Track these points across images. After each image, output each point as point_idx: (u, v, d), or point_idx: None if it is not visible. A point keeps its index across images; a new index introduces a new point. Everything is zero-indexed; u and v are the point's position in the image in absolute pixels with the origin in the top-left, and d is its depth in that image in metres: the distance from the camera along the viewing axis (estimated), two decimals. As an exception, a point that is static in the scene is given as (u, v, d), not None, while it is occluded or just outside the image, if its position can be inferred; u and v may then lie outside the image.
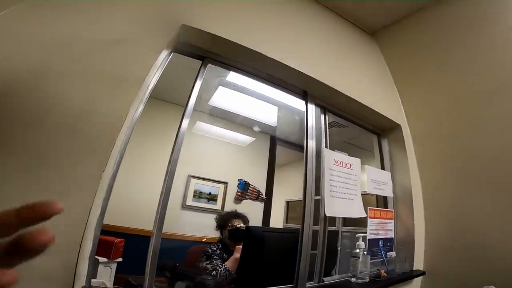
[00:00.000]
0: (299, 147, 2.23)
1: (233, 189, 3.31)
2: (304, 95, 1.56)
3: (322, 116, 1.58)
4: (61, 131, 0.83)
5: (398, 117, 1.89)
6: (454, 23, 1.70)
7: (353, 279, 1.34)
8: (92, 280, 1.31)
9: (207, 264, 1.58)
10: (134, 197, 2.41)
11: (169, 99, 2.59)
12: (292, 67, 1.41)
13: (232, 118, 3.10)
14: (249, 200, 3.40)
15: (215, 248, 1.68)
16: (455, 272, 1.50)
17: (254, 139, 3.43)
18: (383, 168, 1.87)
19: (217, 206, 3.16)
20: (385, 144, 1.94)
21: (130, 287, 1.16)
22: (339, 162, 1.50)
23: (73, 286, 0.78)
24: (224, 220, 1.90)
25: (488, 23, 1.56)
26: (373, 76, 1.95)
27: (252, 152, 3.53)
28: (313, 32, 1.74)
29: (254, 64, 1.40)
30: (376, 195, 1.78)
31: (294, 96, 1.55)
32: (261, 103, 2.45)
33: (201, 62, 1.28)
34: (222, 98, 2.74)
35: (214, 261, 1.61)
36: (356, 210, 1.48)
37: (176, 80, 1.63)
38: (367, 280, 1.33)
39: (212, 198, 3.16)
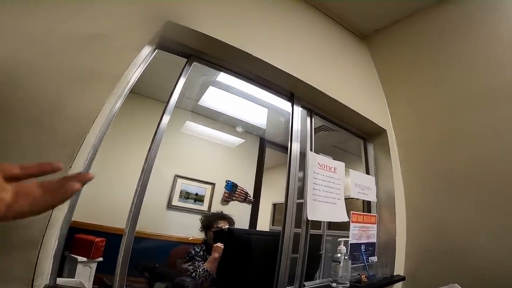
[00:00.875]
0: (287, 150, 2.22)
1: (220, 190, 3.27)
2: (291, 97, 1.55)
3: (308, 119, 1.58)
4: (28, 125, 0.79)
5: (384, 122, 1.90)
6: (441, 29, 1.73)
7: (334, 284, 1.33)
8: (68, 279, 1.26)
9: (188, 265, 1.55)
10: (119, 195, 2.36)
11: (153, 95, 2.55)
12: (279, 67, 1.40)
13: (221, 119, 3.07)
14: (236, 201, 3.37)
15: (198, 250, 1.65)
16: (434, 278, 1.50)
17: (244, 140, 3.41)
18: (368, 172, 1.88)
19: (204, 207, 3.12)
20: (370, 148, 1.95)
21: (105, 287, 1.13)
22: (323, 165, 1.50)
23: (32, 284, 0.74)
24: (209, 221, 1.87)
25: (474, 30, 1.59)
26: (361, 80, 1.96)
27: (241, 153, 3.50)
28: (302, 33, 1.74)
29: (241, 64, 1.38)
30: (363, 200, 1.80)
31: (281, 97, 1.54)
32: (251, 104, 2.44)
33: (186, 60, 1.26)
34: (213, 99, 2.72)
35: (196, 263, 1.58)
36: (339, 214, 1.48)
37: (161, 76, 1.60)
38: (348, 285, 1.32)
39: (199, 198, 3.12)
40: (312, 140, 1.53)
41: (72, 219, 1.40)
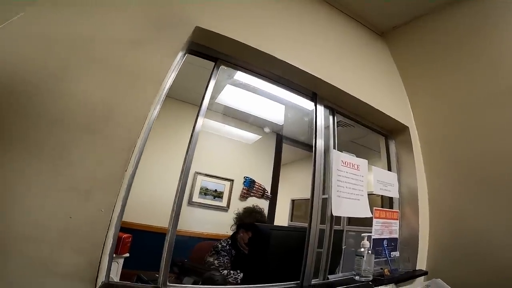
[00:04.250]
0: (306, 146, 2.25)
1: (239, 186, 3.37)
2: (314, 97, 1.61)
3: (331, 117, 1.64)
4: (85, 131, 0.87)
5: (407, 119, 1.93)
6: (463, 26, 1.73)
7: (357, 277, 1.40)
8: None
9: (214, 259, 1.65)
10: (144, 194, 2.49)
11: (183, 98, 2.65)
12: (302, 69, 1.46)
13: (239, 116, 3.15)
14: (254, 197, 3.46)
15: (224, 244, 1.74)
16: (456, 272, 1.56)
17: (260, 137, 3.48)
18: (389, 169, 1.92)
19: (223, 203, 3.24)
20: (392, 145, 1.98)
21: (142, 282, 1.21)
22: (346, 163, 1.56)
23: (96, 282, 0.82)
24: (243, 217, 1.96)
25: (498, 27, 1.58)
26: (382, 77, 1.98)
27: (258, 149, 3.58)
28: (323, 33, 1.78)
29: (265, 66, 1.45)
30: (382, 195, 1.84)
31: (303, 97, 1.60)
32: (268, 101, 2.50)
33: (214, 63, 1.34)
34: (229, 96, 2.80)
35: (221, 258, 1.68)
36: (362, 210, 1.54)
37: (188, 79, 1.68)
38: (371, 278, 1.39)
39: (218, 195, 3.23)
40: (335, 139, 1.59)
41: None
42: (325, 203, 1.44)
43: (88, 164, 0.85)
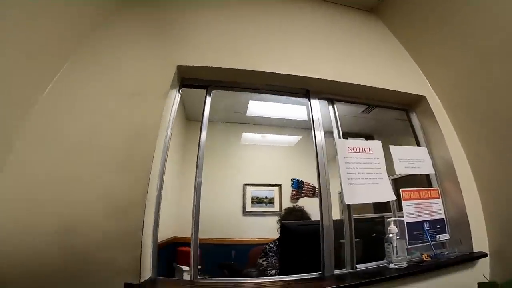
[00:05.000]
0: (347, 135, 2.23)
1: (288, 189, 3.49)
2: (306, 93, 1.66)
3: (330, 108, 1.63)
4: (120, 168, 1.20)
5: (421, 88, 1.76)
6: None
7: (391, 265, 1.33)
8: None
9: (263, 260, 1.81)
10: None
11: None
12: (289, 73, 1.54)
13: (273, 122, 3.32)
14: (305, 197, 3.51)
15: (272, 245, 1.88)
16: None
17: (301, 137, 3.54)
18: (418, 144, 1.75)
19: (275, 208, 3.39)
20: (414, 118, 1.82)
21: None
22: (354, 148, 1.52)
23: (139, 275, 1.09)
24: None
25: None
26: (384, 54, 1.87)
27: (301, 150, 3.65)
28: (306, 28, 1.83)
29: (252, 80, 1.57)
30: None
31: (296, 97, 1.66)
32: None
33: (206, 90, 1.54)
34: (257, 107, 3.00)
35: (269, 259, 1.82)
36: (384, 194, 1.45)
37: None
38: (405, 265, 1.30)
39: (269, 201, 3.41)
40: (339, 127, 1.58)
41: (173, 235, 1.82)
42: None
43: (123, 191, 1.15)
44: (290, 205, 2.47)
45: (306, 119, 3.44)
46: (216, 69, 1.48)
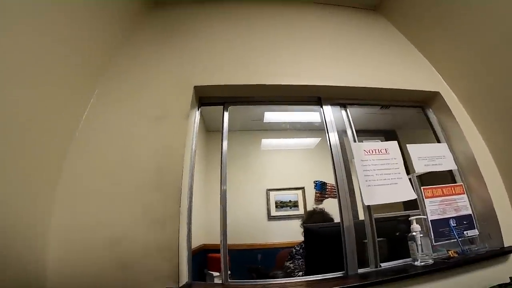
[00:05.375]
0: (367, 132, 2.25)
1: (311, 191, 3.54)
2: (318, 101, 1.73)
3: (343, 112, 1.69)
4: (154, 188, 1.34)
5: (434, 84, 1.76)
6: None
7: (416, 263, 1.35)
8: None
9: (290, 263, 1.89)
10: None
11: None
12: (300, 84, 1.63)
13: (290, 126, 3.40)
14: (329, 198, 3.53)
15: (298, 248, 1.95)
16: None
17: (320, 138, 3.59)
18: (438, 140, 1.74)
19: (300, 211, 3.45)
20: (431, 114, 1.81)
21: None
22: (370, 151, 1.56)
23: (178, 280, 1.21)
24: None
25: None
26: (392, 52, 1.90)
27: (321, 152, 3.68)
28: (313, 35, 1.92)
29: (267, 93, 1.68)
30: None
31: (309, 105, 1.73)
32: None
33: (223, 106, 1.68)
34: (273, 114, 3.10)
35: (296, 261, 1.90)
36: (404, 193, 1.47)
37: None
38: (430, 262, 1.31)
39: (293, 204, 3.48)
40: (353, 131, 1.63)
41: (202, 243, 1.93)
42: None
43: (159, 207, 1.29)
44: (312, 208, 2.52)
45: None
46: (231, 87, 1.61)
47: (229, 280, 1.35)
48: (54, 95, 1.28)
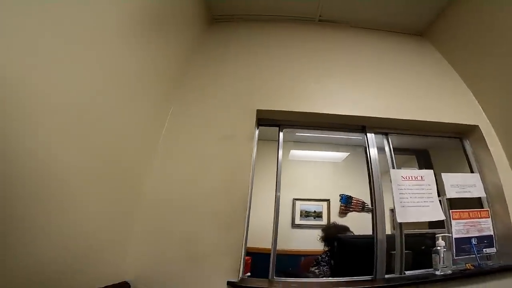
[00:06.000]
0: (401, 150, 2.71)
1: (336, 204, 4.08)
2: (363, 129, 2.16)
3: (385, 141, 2.16)
4: (223, 198, 1.86)
5: (475, 118, 2.12)
6: None
7: (437, 272, 1.83)
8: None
9: (315, 269, 2.41)
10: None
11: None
12: (348, 114, 2.07)
13: (321, 139, 3.93)
14: (354, 212, 4.09)
15: (324, 256, 2.44)
16: None
17: (348, 153, 4.10)
18: (471, 170, 2.14)
19: (323, 221, 3.97)
20: (467, 146, 2.19)
21: None
22: (407, 177, 2.03)
23: (238, 273, 1.68)
24: (330, 233, 2.71)
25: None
26: (436, 81, 2.27)
27: (349, 166, 4.17)
28: (361, 64, 2.34)
29: (317, 119, 2.16)
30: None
31: (354, 132, 2.22)
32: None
33: (278, 128, 2.16)
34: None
35: (321, 267, 2.43)
36: (433, 215, 1.92)
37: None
38: (449, 272, 1.77)
39: (317, 215, 4.00)
40: (393, 159, 2.13)
41: None
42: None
43: (227, 212, 1.79)
44: (343, 219, 3.07)
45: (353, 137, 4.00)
46: (287, 112, 2.07)
47: (274, 277, 1.88)
48: (139, 112, 1.70)
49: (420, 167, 2.58)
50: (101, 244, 1.42)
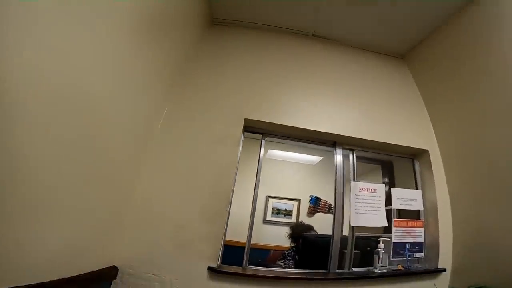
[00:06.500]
0: (369, 160, 3.12)
1: (306, 204, 4.50)
2: (334, 144, 2.49)
3: (351, 156, 2.54)
4: (208, 192, 2.16)
5: (427, 142, 2.54)
6: (466, 35, 2.25)
7: (376, 270, 2.28)
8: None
9: (282, 262, 2.79)
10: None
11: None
12: (325, 131, 2.39)
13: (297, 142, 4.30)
14: (321, 213, 4.55)
15: (290, 251, 2.82)
16: (477, 272, 2.10)
17: (322, 158, 4.51)
18: (416, 187, 2.57)
19: (293, 220, 4.34)
20: (417, 166, 2.62)
21: None
22: (363, 188, 2.43)
23: (217, 262, 2.01)
24: (297, 231, 3.09)
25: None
26: (404, 105, 2.70)
27: (321, 169, 4.60)
28: (346, 83, 2.72)
29: (296, 133, 2.46)
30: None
31: (324, 146, 2.62)
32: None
33: (261, 136, 2.44)
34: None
35: (287, 261, 2.82)
36: (379, 221, 2.36)
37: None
38: (384, 271, 2.19)
39: (287, 213, 4.40)
40: (355, 172, 2.54)
41: None
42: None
43: (212, 207, 2.06)
44: (299, 221, 3.51)
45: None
46: (270, 124, 2.35)
47: (247, 266, 2.22)
48: (138, 108, 1.88)
49: (384, 176, 3.02)
50: (95, 233, 1.65)
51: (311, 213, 4.78)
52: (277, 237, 3.94)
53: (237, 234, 2.60)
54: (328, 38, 2.95)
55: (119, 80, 1.57)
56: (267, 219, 4.47)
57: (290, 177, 4.82)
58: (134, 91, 1.77)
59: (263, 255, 3.40)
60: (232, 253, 2.30)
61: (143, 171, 2.07)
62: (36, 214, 1.13)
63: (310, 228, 3.06)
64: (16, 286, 1.04)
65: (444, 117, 2.54)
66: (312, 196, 4.83)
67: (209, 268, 1.93)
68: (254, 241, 3.21)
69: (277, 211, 4.53)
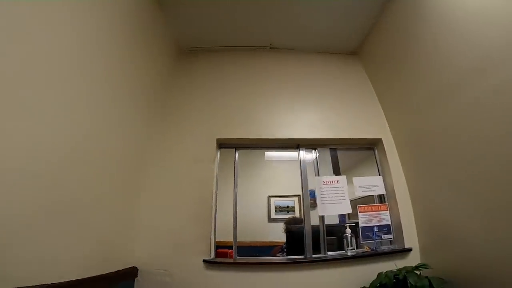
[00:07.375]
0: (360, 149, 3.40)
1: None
2: (297, 146, 2.87)
3: (314, 154, 2.93)
4: (195, 202, 2.70)
5: (381, 131, 2.83)
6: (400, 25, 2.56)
7: (348, 253, 2.61)
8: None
9: (279, 254, 3.22)
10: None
11: None
12: (287, 138, 2.79)
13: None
14: (320, 204, 4.80)
15: (284, 245, 3.30)
16: (437, 250, 2.30)
17: (318, 153, 4.83)
18: (379, 173, 2.88)
19: (296, 214, 4.76)
20: (376, 154, 2.90)
21: None
22: (327, 181, 2.80)
23: (210, 253, 2.47)
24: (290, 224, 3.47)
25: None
26: (359, 100, 3.03)
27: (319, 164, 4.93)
28: (305, 89, 3.10)
29: (265, 142, 2.87)
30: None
31: (291, 149, 3.01)
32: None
33: (235, 149, 2.89)
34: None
35: (284, 254, 3.23)
36: (344, 209, 2.68)
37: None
38: (354, 253, 2.51)
39: (290, 209, 4.75)
40: (318, 168, 2.89)
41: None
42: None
43: (200, 212, 2.60)
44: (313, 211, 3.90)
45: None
46: (240, 139, 2.79)
47: (237, 257, 2.69)
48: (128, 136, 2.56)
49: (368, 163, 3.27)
50: (116, 242, 2.18)
51: (312, 206, 5.16)
52: (283, 233, 4.36)
53: (248, 235, 3.01)
54: (284, 48, 3.35)
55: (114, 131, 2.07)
56: (272, 217, 4.80)
57: (288, 175, 5.20)
58: (126, 134, 2.28)
59: (267, 252, 3.81)
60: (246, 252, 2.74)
61: (144, 191, 2.62)
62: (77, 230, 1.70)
63: (301, 221, 3.44)
64: (60, 282, 1.50)
65: (393, 107, 2.81)
66: (311, 190, 5.20)
67: (204, 261, 2.39)
68: (262, 239, 3.88)
69: (280, 209, 4.88)
